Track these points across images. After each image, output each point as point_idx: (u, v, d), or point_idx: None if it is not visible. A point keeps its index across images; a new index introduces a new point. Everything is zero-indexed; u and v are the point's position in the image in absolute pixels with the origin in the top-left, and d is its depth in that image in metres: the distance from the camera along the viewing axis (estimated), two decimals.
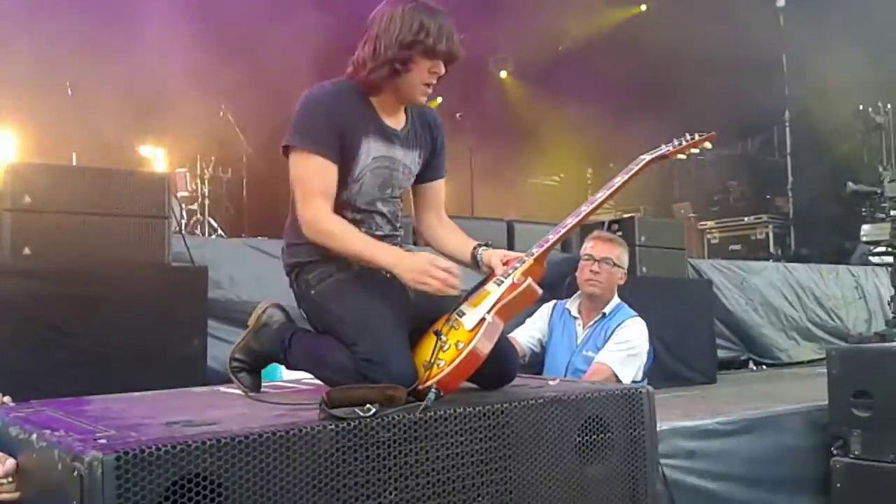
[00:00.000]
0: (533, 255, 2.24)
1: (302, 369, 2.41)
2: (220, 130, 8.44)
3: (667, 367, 5.20)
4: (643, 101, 10.53)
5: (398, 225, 2.52)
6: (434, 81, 2.34)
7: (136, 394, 2.45)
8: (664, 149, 2.47)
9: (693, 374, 5.69)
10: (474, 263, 2.38)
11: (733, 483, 3.68)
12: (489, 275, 2.31)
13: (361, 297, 2.25)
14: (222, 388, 2.59)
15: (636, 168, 2.40)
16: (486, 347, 2.08)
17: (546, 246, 2.26)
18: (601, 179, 12.14)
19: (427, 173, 2.55)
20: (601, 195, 2.36)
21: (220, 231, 7.83)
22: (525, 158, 10.93)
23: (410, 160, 2.47)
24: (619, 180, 2.37)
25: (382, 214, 2.45)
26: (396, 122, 2.44)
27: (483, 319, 2.10)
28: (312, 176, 2.29)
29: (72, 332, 3.60)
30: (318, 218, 2.26)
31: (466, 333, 2.09)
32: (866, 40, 8.76)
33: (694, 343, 5.82)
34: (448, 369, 2.02)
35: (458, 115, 6.86)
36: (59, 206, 3.73)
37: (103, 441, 1.57)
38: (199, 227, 7.81)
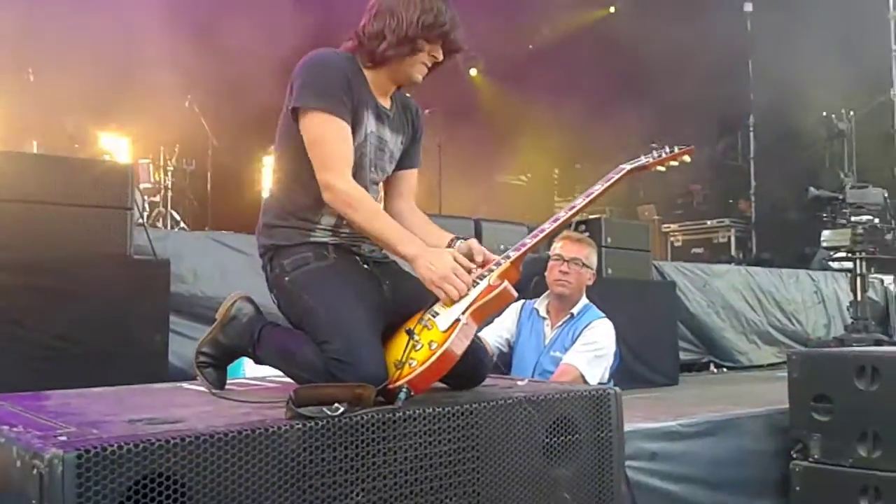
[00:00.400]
0: (509, 258, 2.22)
1: (270, 364, 2.37)
2: (185, 121, 8.32)
3: (630, 369, 5.23)
4: (611, 104, 10.60)
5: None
6: (430, 65, 2.37)
7: (97, 389, 2.39)
8: (643, 160, 2.48)
9: (656, 375, 5.74)
10: None
11: (695, 485, 3.70)
12: None
13: (336, 290, 2.20)
14: (185, 385, 2.54)
15: (616, 177, 2.40)
16: (459, 349, 2.05)
17: (523, 250, 2.24)
18: (568, 180, 12.25)
19: (404, 160, 2.54)
20: (580, 202, 2.36)
21: (182, 224, 7.72)
22: (493, 157, 10.95)
23: (395, 144, 2.47)
24: (598, 188, 2.37)
25: (373, 193, 2.42)
26: (386, 102, 2.44)
27: (458, 321, 2.07)
28: (335, 140, 2.24)
29: (31, 325, 3.52)
30: (349, 189, 2.20)
31: (440, 334, 2.06)
32: (832, 47, 8.90)
33: (657, 345, 5.88)
34: (420, 369, 1.99)
35: (426, 111, 6.82)
36: (19, 195, 3.64)
37: (63, 438, 1.52)
38: (161, 219, 7.70)
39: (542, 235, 2.30)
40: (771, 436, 4.06)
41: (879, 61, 9.50)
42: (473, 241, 2.29)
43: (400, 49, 2.29)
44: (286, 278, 2.29)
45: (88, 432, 1.59)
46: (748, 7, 10.78)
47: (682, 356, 6.48)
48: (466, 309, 2.10)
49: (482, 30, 10.90)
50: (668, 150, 2.50)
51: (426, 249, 2.18)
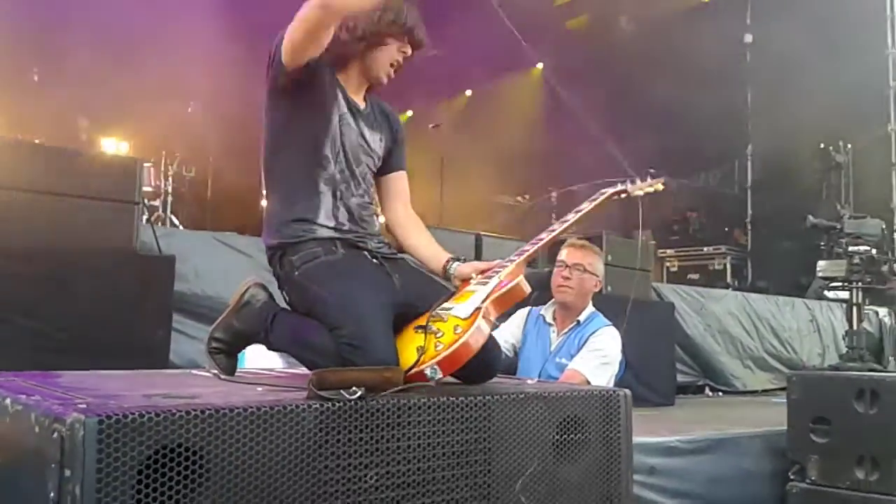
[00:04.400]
0: (513, 261, 2.32)
1: (282, 349, 2.38)
2: (187, 128, 8.34)
3: (627, 386, 5.21)
4: (610, 130, 10.68)
5: (373, 211, 2.52)
6: (401, 62, 2.43)
7: (107, 371, 2.38)
8: (621, 186, 2.70)
9: (652, 394, 5.74)
10: (445, 276, 2.42)
11: (691, 501, 3.70)
12: (463, 283, 2.33)
13: (347, 281, 2.22)
14: (195, 372, 2.53)
15: (600, 199, 2.63)
16: (484, 332, 2.10)
17: (524, 255, 2.37)
18: (565, 203, 12.28)
19: (390, 162, 2.57)
20: (571, 217, 2.54)
21: (181, 228, 7.71)
22: (494, 175, 10.99)
23: (374, 141, 2.49)
24: (586, 206, 2.58)
25: (363, 191, 2.45)
26: (359, 101, 2.48)
27: (478, 308, 2.12)
28: None
29: (34, 313, 3.50)
30: None
31: (463, 321, 2.09)
32: (830, 79, 9.00)
33: (654, 364, 5.89)
34: (447, 351, 2.02)
35: (430, 125, 6.88)
36: (26, 183, 3.64)
37: (84, 405, 1.51)
38: (160, 223, 7.67)
39: (540, 244, 2.44)
40: (769, 456, 4.06)
41: (878, 95, 9.61)
42: (475, 263, 2.40)
43: (355, 46, 2.35)
44: (296, 273, 2.30)
45: (107, 402, 1.59)
46: (748, 38, 10.90)
47: (678, 378, 6.49)
48: (485, 299, 2.12)
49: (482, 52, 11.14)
50: (642, 179, 2.74)
51: None
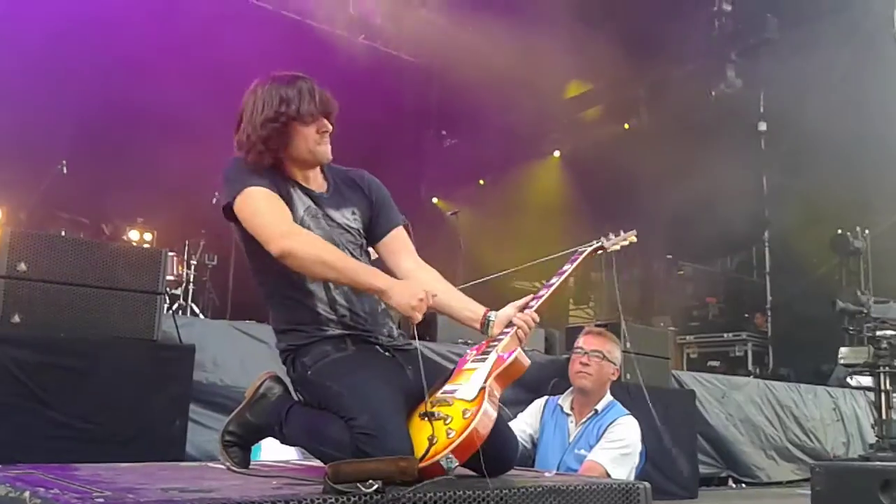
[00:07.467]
0: (507, 333, 2.31)
1: (297, 443, 2.37)
2: (210, 216, 8.47)
3: (647, 479, 5.12)
4: (624, 216, 10.72)
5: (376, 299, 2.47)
6: (326, 137, 2.40)
7: (123, 464, 2.38)
8: (596, 244, 2.79)
9: (673, 486, 5.62)
10: (484, 328, 2.38)
11: None
12: (460, 360, 2.32)
13: (359, 373, 2.23)
14: (210, 464, 2.53)
15: (580, 258, 2.69)
16: (493, 413, 2.08)
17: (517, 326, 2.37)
18: (582, 288, 12.29)
19: (379, 227, 2.53)
20: (555, 280, 2.56)
21: (201, 317, 7.77)
22: (512, 262, 11.05)
23: (345, 218, 2.46)
24: (568, 267, 2.63)
25: None
26: (317, 186, 2.46)
27: (483, 388, 2.11)
28: (266, 206, 2.26)
29: (54, 403, 3.55)
30: (306, 244, 2.21)
31: (469, 403, 2.08)
32: (846, 164, 9.07)
33: (676, 454, 5.77)
34: (460, 438, 2.00)
35: (449, 213, 6.99)
36: (53, 275, 3.72)
37: (101, 500, 1.53)
38: (181, 312, 7.75)
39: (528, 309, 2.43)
40: None
41: (894, 180, 9.62)
42: (515, 303, 2.41)
43: (258, 154, 2.33)
44: (309, 372, 2.31)
45: (124, 496, 1.60)
46: (762, 127, 11.04)
47: (701, 469, 6.35)
48: (487, 378, 2.14)
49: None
50: (615, 235, 2.86)
51: (396, 281, 2.25)
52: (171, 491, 1.72)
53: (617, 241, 2.84)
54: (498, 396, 2.18)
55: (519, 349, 2.25)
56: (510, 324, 2.35)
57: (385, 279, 2.23)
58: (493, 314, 2.39)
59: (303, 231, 2.27)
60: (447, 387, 2.19)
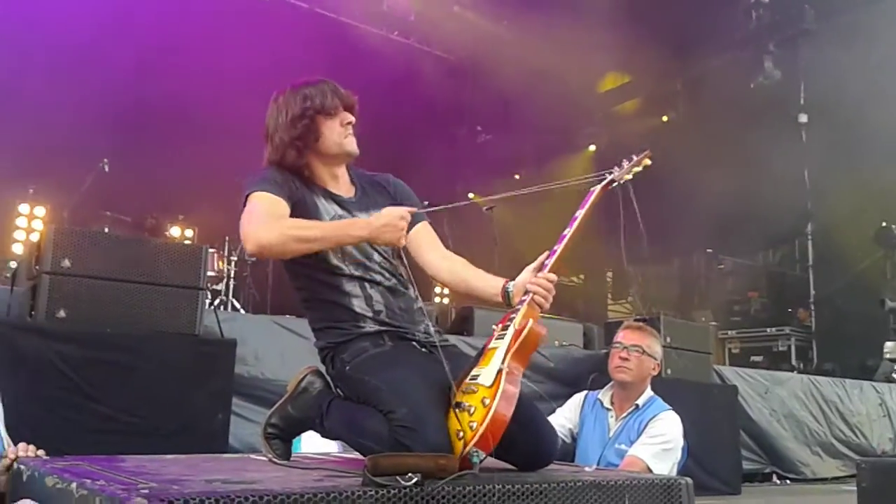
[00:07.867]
0: (524, 301, 2.26)
1: (337, 436, 2.39)
2: None
3: (689, 474, 5.07)
4: (667, 211, 10.63)
5: (405, 283, 2.51)
6: (350, 129, 2.49)
7: (168, 456, 2.42)
8: (609, 176, 2.50)
9: (717, 483, 5.55)
10: (506, 300, 2.35)
11: None
12: (487, 339, 2.30)
13: (398, 368, 2.26)
14: (252, 456, 2.56)
15: (592, 198, 2.46)
16: (512, 394, 2.08)
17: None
18: (621, 282, 12.21)
19: None
20: (568, 231, 2.38)
21: (242, 312, 7.85)
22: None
23: None
24: (580, 213, 2.42)
25: (389, 273, 2.47)
26: (340, 189, 2.52)
27: (500, 371, 2.11)
28: (258, 206, 2.31)
29: (99, 397, 3.61)
30: (263, 235, 2.24)
31: (488, 389, 2.09)
32: (889, 155, 8.88)
33: (718, 451, 5.70)
34: (482, 429, 2.01)
35: (484, 208, 6.97)
36: (96, 271, 3.79)
37: (146, 491, 1.55)
38: (222, 307, 7.84)
39: (546, 267, 2.33)
40: None
41: None
42: (528, 268, 2.34)
43: (290, 154, 2.41)
44: (348, 368, 2.35)
45: (169, 487, 1.62)
46: (803, 118, 10.86)
47: (744, 465, 6.27)
48: (504, 358, 2.13)
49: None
50: (625, 162, 2.53)
51: (371, 220, 2.31)
52: (215, 482, 1.74)
53: (629, 168, 2.51)
54: (520, 373, 2.16)
55: (531, 320, 2.20)
56: (527, 291, 2.29)
57: (365, 224, 2.30)
58: (511, 284, 2.35)
59: (270, 221, 2.28)
60: (473, 371, 2.20)
